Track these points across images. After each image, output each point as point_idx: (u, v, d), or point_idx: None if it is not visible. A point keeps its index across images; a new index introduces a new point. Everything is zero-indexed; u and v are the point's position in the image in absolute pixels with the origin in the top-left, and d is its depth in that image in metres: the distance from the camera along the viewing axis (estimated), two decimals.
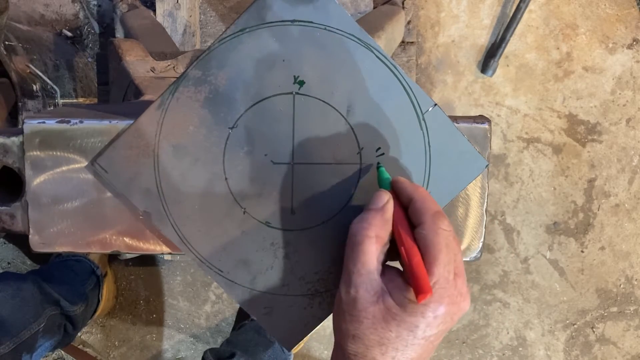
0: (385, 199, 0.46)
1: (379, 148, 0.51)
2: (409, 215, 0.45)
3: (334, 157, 0.51)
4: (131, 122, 0.51)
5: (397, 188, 0.47)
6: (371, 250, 0.43)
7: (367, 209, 0.46)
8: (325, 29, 0.49)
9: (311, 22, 0.49)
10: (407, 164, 0.51)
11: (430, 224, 0.43)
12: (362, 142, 0.51)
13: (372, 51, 0.50)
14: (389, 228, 0.45)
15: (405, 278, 0.43)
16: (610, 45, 1.42)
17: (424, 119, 0.51)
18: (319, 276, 0.52)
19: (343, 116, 0.51)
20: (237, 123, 0.50)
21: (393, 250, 0.45)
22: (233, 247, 0.52)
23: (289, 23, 0.49)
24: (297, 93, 0.50)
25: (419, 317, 0.41)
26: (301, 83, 0.50)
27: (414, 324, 0.42)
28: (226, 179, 0.51)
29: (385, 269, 0.44)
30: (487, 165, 0.52)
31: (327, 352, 1.51)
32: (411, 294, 0.41)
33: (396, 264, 0.46)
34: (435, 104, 0.51)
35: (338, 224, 0.52)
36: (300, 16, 0.49)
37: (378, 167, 0.50)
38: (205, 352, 1.14)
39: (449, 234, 0.43)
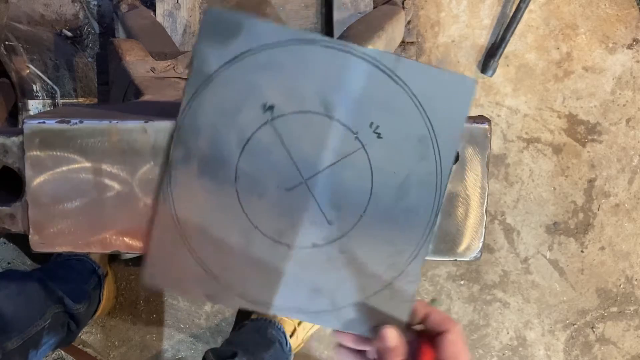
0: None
1: (372, 123, 0.51)
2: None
3: (337, 154, 0.51)
4: (137, 122, 0.51)
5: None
6: None
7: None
8: (264, 50, 0.49)
9: (249, 50, 0.49)
10: (405, 121, 0.51)
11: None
12: (354, 127, 0.51)
13: (318, 44, 0.49)
14: None
15: None
16: (610, 45, 1.42)
17: (396, 75, 0.50)
18: (392, 259, 0.53)
19: (325, 115, 0.50)
20: (237, 175, 0.50)
21: None
22: (297, 282, 0.52)
23: (231, 62, 0.49)
24: (272, 119, 0.50)
25: None
26: (271, 108, 0.50)
27: None
28: (256, 227, 0.51)
29: None
30: (475, 82, 0.52)
31: (327, 352, 1.51)
32: None
33: None
34: (398, 56, 0.50)
35: (374, 212, 0.52)
36: (237, 51, 0.49)
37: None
38: (206, 352, 1.14)
39: None
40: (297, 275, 0.52)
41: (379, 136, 0.51)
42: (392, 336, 0.50)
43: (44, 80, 1.23)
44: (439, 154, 0.51)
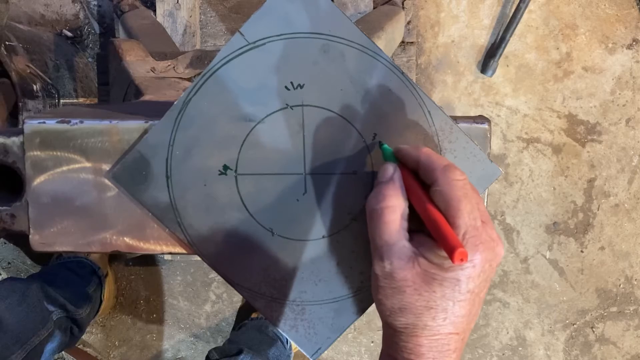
0: (391, 169, 0.46)
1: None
2: (420, 177, 0.45)
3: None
4: (137, 122, 0.51)
5: (401, 155, 0.47)
6: (392, 219, 0.43)
7: (377, 183, 0.46)
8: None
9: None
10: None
11: (442, 179, 0.42)
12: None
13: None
14: (404, 196, 0.44)
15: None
16: (610, 45, 1.42)
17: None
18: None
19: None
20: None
21: (415, 218, 0.44)
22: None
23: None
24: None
25: (457, 271, 0.41)
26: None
27: (456, 279, 0.41)
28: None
29: (412, 235, 0.44)
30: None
31: (327, 352, 1.51)
32: (444, 253, 0.41)
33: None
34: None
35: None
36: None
37: (380, 145, 0.50)
38: (210, 351, 1.14)
39: (465, 183, 0.42)
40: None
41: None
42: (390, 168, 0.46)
43: (44, 80, 1.23)
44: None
